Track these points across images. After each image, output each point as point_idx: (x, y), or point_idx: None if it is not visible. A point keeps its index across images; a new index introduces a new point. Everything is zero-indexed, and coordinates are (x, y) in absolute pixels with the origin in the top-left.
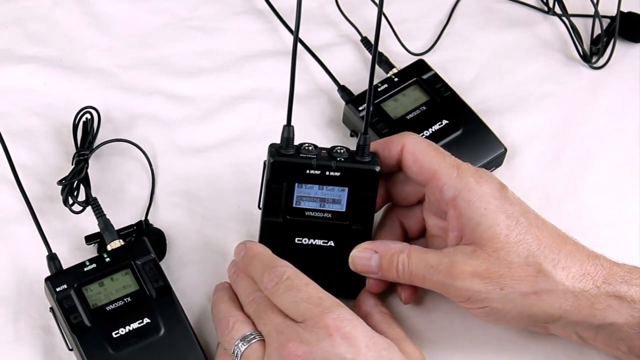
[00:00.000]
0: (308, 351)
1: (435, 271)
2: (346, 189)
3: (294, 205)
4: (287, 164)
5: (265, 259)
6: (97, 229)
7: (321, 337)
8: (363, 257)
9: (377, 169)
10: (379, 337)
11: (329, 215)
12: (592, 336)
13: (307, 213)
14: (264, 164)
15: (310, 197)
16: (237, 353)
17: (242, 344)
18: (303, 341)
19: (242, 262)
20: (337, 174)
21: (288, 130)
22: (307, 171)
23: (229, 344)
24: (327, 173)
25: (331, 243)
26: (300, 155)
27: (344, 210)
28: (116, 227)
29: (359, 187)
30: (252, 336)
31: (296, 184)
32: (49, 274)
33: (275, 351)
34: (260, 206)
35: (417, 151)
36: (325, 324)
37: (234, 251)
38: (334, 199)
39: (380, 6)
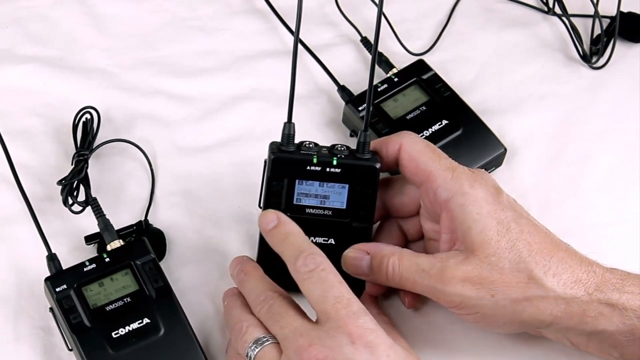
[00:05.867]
0: (330, 355)
1: (426, 275)
2: (346, 186)
3: (294, 203)
4: (288, 160)
5: (300, 241)
6: (97, 229)
7: (343, 343)
8: (355, 257)
9: (378, 165)
10: (399, 347)
11: (330, 212)
12: (584, 342)
13: (307, 210)
14: (265, 162)
15: (311, 194)
16: (250, 356)
17: (255, 347)
18: (325, 345)
19: (274, 235)
20: (338, 170)
21: (289, 127)
22: (308, 167)
23: (243, 348)
24: (328, 169)
25: (331, 241)
26: (301, 152)
27: (344, 207)
28: (116, 227)
29: (359, 184)
30: (265, 339)
31: (297, 181)
32: (48, 274)
33: (295, 353)
34: (261, 204)
35: (413, 151)
36: (349, 331)
37: (259, 219)
38: (334, 196)
39: (380, 6)
